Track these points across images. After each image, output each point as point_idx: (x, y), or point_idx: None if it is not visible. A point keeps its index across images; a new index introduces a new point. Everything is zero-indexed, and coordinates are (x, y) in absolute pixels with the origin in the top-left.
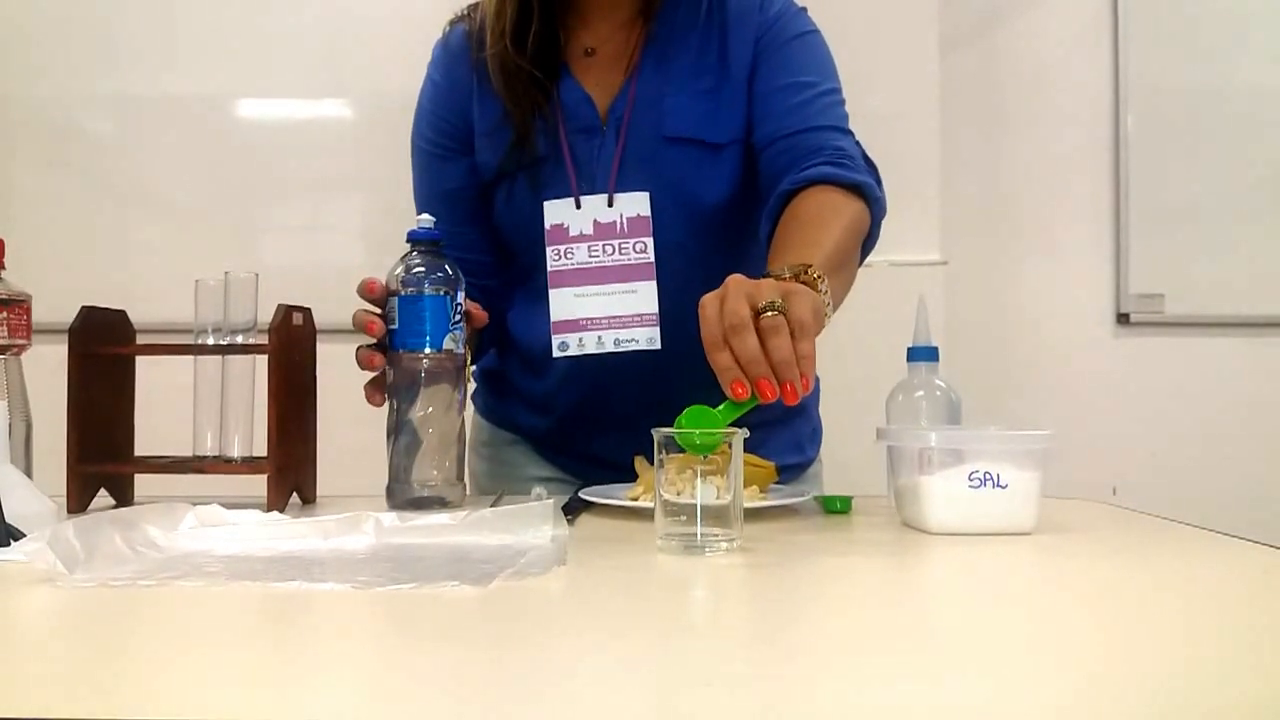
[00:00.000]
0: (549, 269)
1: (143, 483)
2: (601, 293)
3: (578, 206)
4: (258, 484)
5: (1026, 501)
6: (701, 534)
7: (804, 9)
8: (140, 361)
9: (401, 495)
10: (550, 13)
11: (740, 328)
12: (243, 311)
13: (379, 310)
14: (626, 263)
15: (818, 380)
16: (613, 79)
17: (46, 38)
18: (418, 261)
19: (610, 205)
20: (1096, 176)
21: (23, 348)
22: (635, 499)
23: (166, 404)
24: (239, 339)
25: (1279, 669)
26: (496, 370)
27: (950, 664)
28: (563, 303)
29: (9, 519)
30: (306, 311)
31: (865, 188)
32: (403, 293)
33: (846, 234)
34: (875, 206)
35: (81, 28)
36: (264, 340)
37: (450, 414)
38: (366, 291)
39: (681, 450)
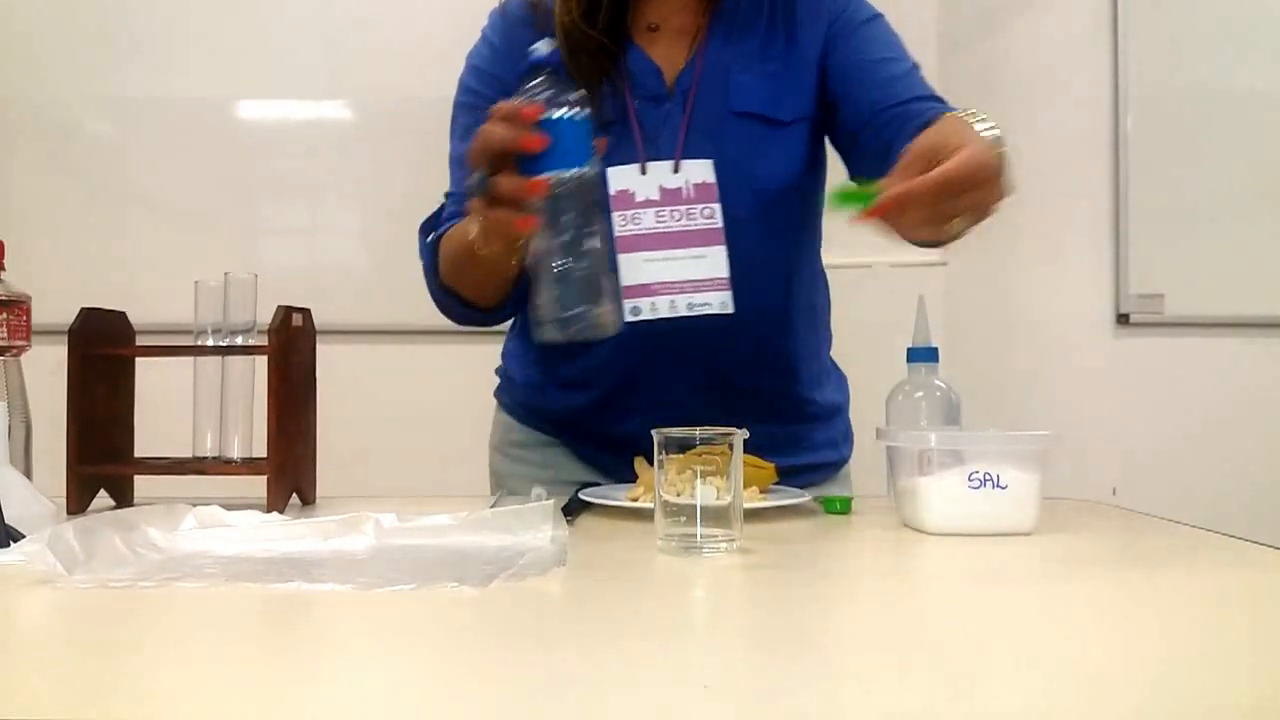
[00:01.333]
0: (617, 234)
1: (142, 484)
2: (671, 257)
3: (643, 172)
4: (257, 485)
5: (1026, 502)
6: (701, 535)
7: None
8: (140, 363)
9: (579, 325)
10: None
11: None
12: (242, 312)
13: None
14: (695, 228)
15: (848, 381)
16: (678, 53)
17: (47, 39)
18: (550, 84)
19: (676, 171)
20: (1096, 177)
21: (22, 349)
22: (635, 500)
23: (166, 405)
24: (238, 340)
25: (1277, 666)
26: (524, 354)
27: (950, 664)
28: (633, 267)
29: (8, 520)
30: (306, 312)
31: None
32: (557, 114)
33: None
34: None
35: (82, 29)
36: (263, 341)
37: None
38: (521, 117)
39: (683, 451)
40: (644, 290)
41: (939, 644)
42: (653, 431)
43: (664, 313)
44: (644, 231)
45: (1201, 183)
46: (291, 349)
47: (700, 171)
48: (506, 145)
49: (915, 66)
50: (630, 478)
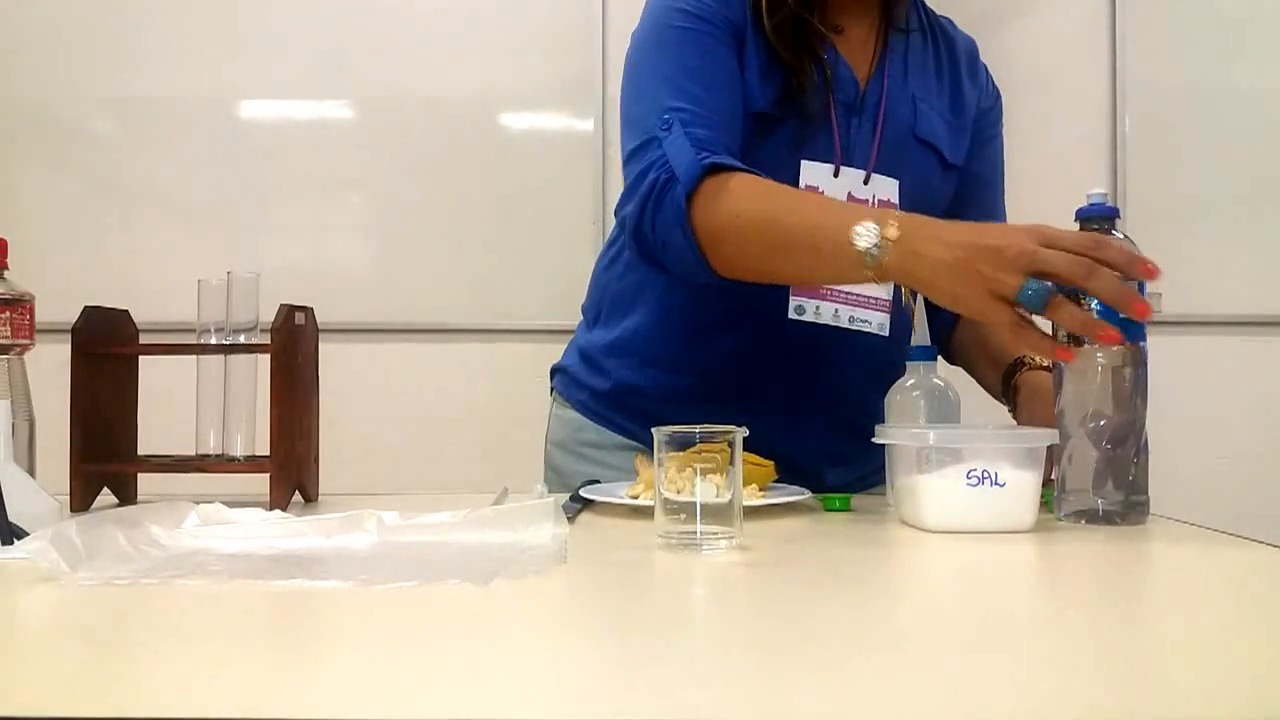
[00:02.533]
0: None
1: (146, 482)
2: None
3: (836, 175)
4: (260, 483)
5: (1024, 500)
6: (701, 532)
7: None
8: (143, 361)
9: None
10: None
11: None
12: (245, 311)
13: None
14: None
15: None
16: (861, 63)
17: (50, 39)
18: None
19: (866, 184)
20: (1095, 175)
21: (26, 347)
22: (635, 497)
23: (169, 403)
24: (241, 338)
25: (1279, 668)
26: (629, 357)
27: (950, 662)
28: None
29: (12, 518)
30: (309, 311)
31: None
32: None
33: None
34: None
35: (85, 29)
36: (266, 340)
37: None
38: (1141, 270)
39: (683, 448)
40: (815, 292)
41: (938, 641)
42: (653, 430)
43: (826, 319)
44: None
45: (1200, 182)
46: (294, 347)
47: (887, 189)
48: (1120, 265)
49: (1002, 180)
50: None
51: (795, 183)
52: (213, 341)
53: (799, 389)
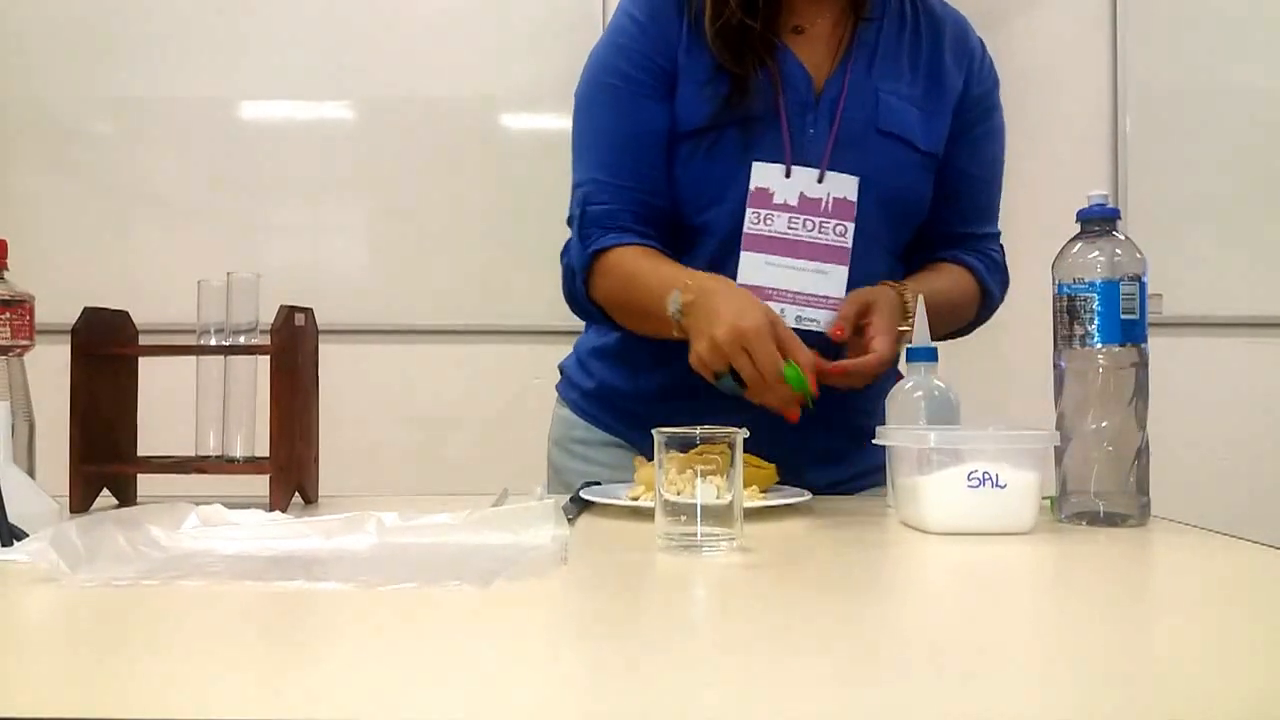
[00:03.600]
0: (746, 230)
1: (145, 483)
2: (793, 266)
3: (787, 175)
4: (260, 484)
5: (1025, 501)
6: (701, 534)
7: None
8: (143, 362)
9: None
10: None
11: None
12: (245, 312)
13: None
14: (824, 242)
15: None
16: (823, 58)
17: (49, 40)
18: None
19: (820, 181)
20: (1095, 176)
21: (26, 348)
22: (635, 499)
23: (169, 404)
24: (241, 339)
25: (1278, 666)
26: (615, 354)
27: (950, 663)
28: (754, 267)
29: (12, 519)
30: (308, 312)
31: (988, 296)
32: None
33: (956, 313)
34: (985, 312)
35: (84, 29)
36: (266, 341)
37: None
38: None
39: (684, 450)
40: (759, 292)
41: (939, 643)
42: (653, 430)
43: None
44: (773, 234)
45: (1200, 183)
46: (294, 348)
47: (844, 187)
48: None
49: (1000, 186)
50: None
51: (745, 189)
52: (212, 342)
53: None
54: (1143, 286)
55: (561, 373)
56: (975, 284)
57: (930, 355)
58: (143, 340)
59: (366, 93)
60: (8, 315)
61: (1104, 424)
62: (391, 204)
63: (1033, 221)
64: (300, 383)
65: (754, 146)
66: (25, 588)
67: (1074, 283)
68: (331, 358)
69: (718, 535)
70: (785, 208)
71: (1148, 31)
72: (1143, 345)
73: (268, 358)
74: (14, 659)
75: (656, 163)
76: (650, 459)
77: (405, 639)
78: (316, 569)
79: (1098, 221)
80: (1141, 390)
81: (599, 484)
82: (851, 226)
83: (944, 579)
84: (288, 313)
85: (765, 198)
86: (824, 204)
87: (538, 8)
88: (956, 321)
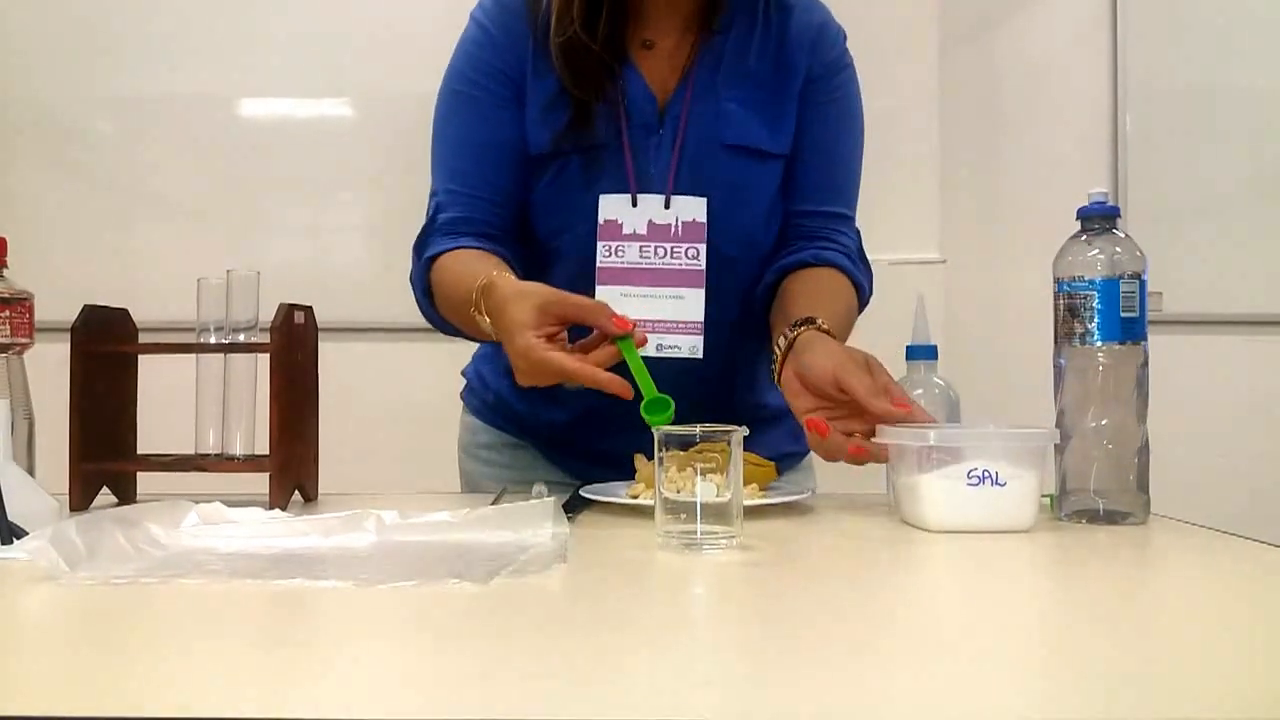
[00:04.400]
0: (599, 264)
1: (145, 481)
2: (649, 295)
3: (634, 204)
4: (260, 482)
5: (1025, 499)
6: (701, 531)
7: (847, 46)
8: (142, 360)
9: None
10: (619, 1)
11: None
12: (245, 310)
13: None
14: (677, 268)
15: None
16: (669, 75)
17: (49, 38)
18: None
19: (667, 207)
20: (1095, 175)
21: (25, 346)
22: (635, 497)
23: (169, 402)
24: (241, 338)
25: (1277, 665)
26: (501, 363)
27: (951, 661)
28: (610, 301)
29: (11, 517)
30: (308, 310)
31: (861, 291)
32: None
33: (849, 324)
34: (860, 309)
35: (84, 28)
36: (266, 339)
37: None
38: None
39: (684, 448)
40: None
41: (939, 640)
42: (654, 429)
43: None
44: (627, 265)
45: (1200, 181)
46: (294, 346)
47: (692, 209)
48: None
49: (856, 169)
50: (600, 478)
51: (594, 218)
52: (212, 340)
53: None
54: (1143, 284)
55: (465, 379)
56: (851, 287)
57: (930, 353)
58: (142, 338)
59: (367, 91)
60: (7, 313)
61: (1104, 422)
62: (392, 202)
63: (1033, 219)
64: (300, 381)
65: (599, 177)
66: (25, 586)
67: (1074, 280)
68: (331, 356)
69: (717, 533)
70: (635, 237)
71: (1148, 30)
72: (1143, 343)
73: (267, 356)
74: (13, 657)
75: (509, 172)
76: (554, 461)
77: (405, 637)
78: (316, 567)
79: (1098, 219)
80: (1141, 388)
81: (505, 488)
82: (703, 248)
83: (944, 577)
84: (287, 311)
85: (614, 230)
86: (673, 229)
87: None
88: (849, 332)
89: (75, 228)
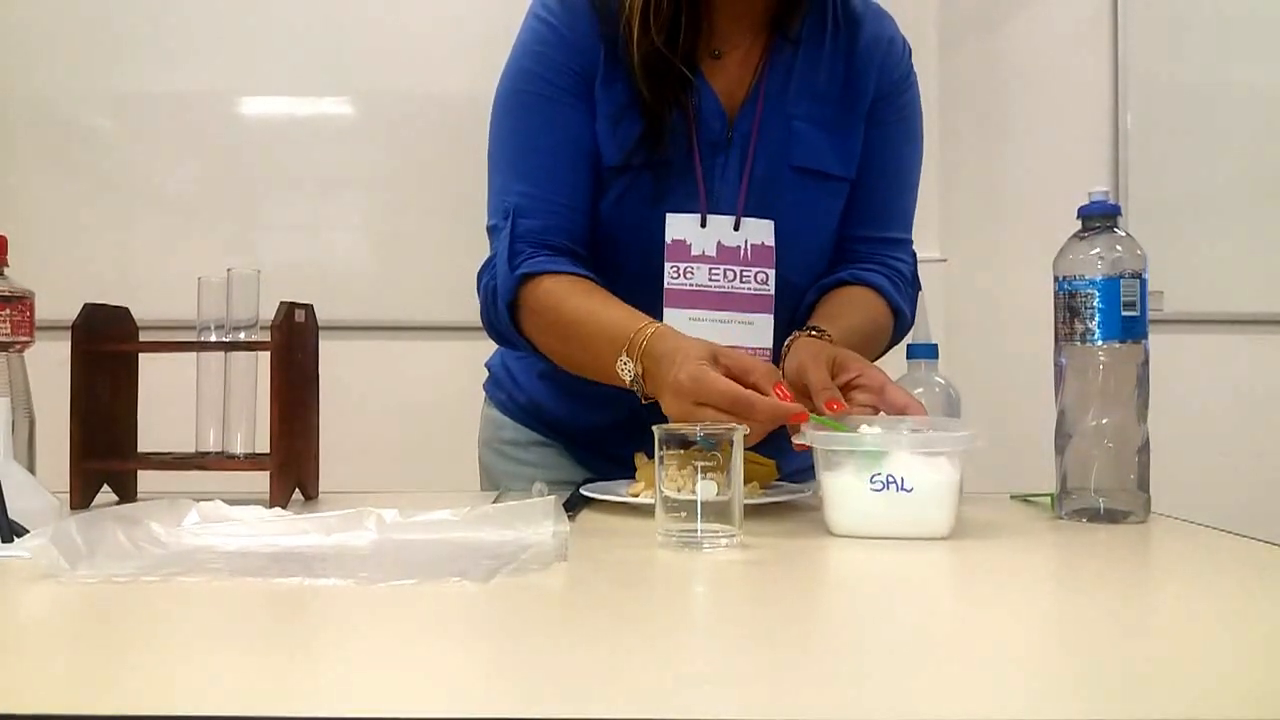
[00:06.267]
0: (667, 286)
1: (145, 479)
2: (718, 320)
3: (703, 225)
4: (260, 480)
5: (938, 506)
6: (701, 530)
7: (913, 66)
8: (143, 358)
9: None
10: (695, 9)
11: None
12: (245, 308)
13: None
14: (746, 292)
15: None
16: (737, 87)
17: (49, 36)
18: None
19: (736, 229)
20: (1096, 174)
21: (26, 344)
22: (636, 495)
23: (169, 401)
24: (241, 336)
25: (1278, 664)
26: (537, 366)
27: (951, 660)
28: (678, 324)
29: (12, 515)
30: (309, 308)
31: (899, 317)
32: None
33: (869, 347)
34: (898, 335)
35: (84, 26)
36: (266, 337)
37: None
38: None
39: (683, 448)
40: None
41: (939, 639)
42: (654, 427)
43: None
44: (695, 288)
45: (1201, 179)
46: (294, 345)
47: (760, 232)
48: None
49: (914, 192)
50: (626, 476)
51: (661, 238)
52: (213, 339)
53: None
54: (1143, 283)
55: (489, 371)
56: (885, 307)
57: (931, 352)
58: (143, 337)
59: (367, 89)
60: (8, 312)
61: (1104, 421)
62: (393, 200)
63: (1033, 218)
64: (300, 379)
65: (667, 194)
66: (25, 584)
67: (1075, 279)
68: (332, 354)
69: (718, 532)
70: (704, 259)
71: (1148, 28)
72: (1143, 342)
73: (268, 354)
74: (14, 655)
75: (585, 176)
76: (581, 461)
77: (406, 635)
78: (317, 565)
79: (1098, 218)
80: (1142, 387)
81: (505, 487)
82: (772, 273)
83: (945, 576)
84: (288, 309)
85: (682, 250)
86: (742, 252)
87: None
88: (871, 354)
89: (76, 226)
